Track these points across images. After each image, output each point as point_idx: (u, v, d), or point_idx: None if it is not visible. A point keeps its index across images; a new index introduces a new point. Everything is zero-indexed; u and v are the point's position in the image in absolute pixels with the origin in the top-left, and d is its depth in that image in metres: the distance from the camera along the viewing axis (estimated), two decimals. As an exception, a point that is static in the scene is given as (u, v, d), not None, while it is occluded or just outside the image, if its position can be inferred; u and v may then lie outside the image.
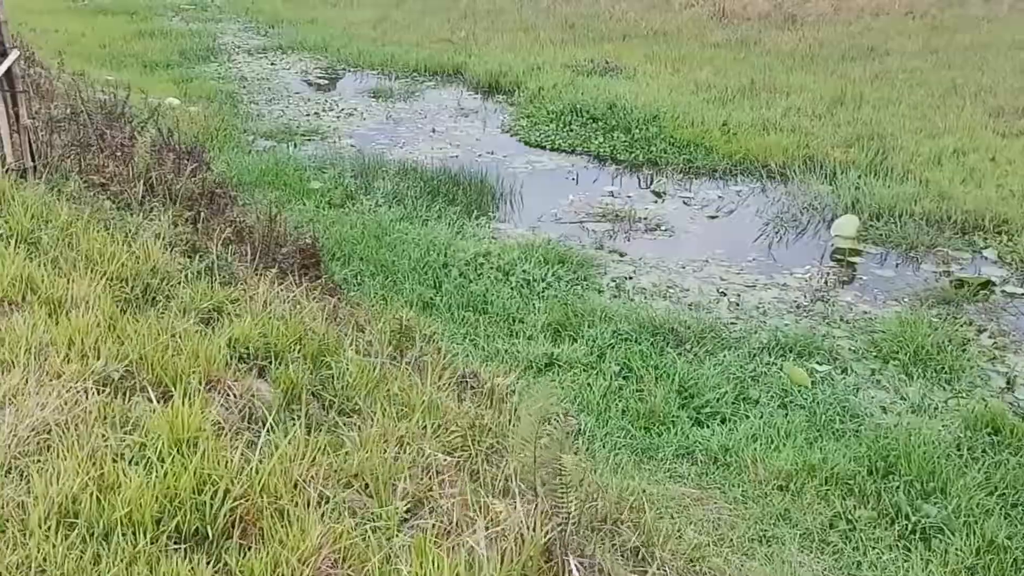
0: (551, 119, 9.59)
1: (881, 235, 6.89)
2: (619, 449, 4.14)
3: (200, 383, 2.28)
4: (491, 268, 6.04)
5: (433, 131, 9.69)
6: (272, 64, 12.90)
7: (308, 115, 10.27)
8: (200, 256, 3.70)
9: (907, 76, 11.10)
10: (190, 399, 2.11)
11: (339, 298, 5.07)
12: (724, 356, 5.09)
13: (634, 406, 4.52)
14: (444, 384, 3.65)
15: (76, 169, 4.27)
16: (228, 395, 2.32)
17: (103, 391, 2.18)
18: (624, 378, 4.83)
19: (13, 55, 3.94)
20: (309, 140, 9.32)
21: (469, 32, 14.06)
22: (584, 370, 4.86)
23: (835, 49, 12.68)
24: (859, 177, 7.84)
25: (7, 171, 3.91)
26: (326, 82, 11.95)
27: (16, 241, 3.06)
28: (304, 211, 6.99)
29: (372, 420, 2.46)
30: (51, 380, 2.17)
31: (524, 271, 6.01)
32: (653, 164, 8.54)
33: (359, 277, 5.92)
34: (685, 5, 16.19)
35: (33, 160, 4.04)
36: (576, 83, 10.57)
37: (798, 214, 7.39)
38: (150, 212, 4.38)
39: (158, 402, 2.16)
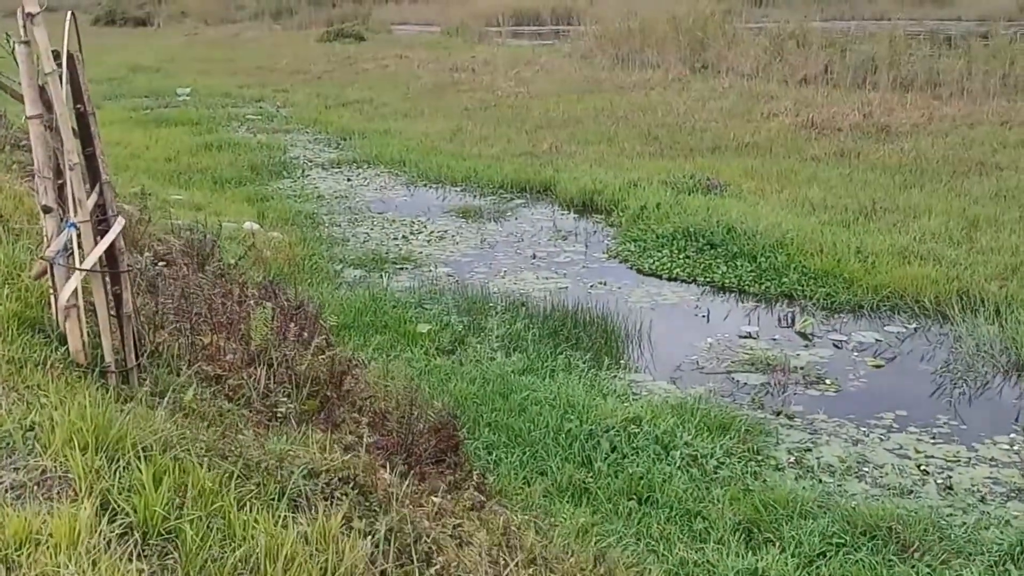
0: (662, 244, 8.81)
1: (1087, 394, 5.88)
2: None
3: None
4: (646, 439, 5.12)
5: (534, 257, 8.95)
6: (348, 180, 12.40)
7: (396, 239, 9.61)
8: (366, 496, 2.84)
9: (1034, 194, 10.22)
10: None
11: (492, 499, 4.18)
12: (961, 569, 4.09)
13: (887, 656, 3.51)
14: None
15: (186, 355, 3.48)
16: None
17: None
18: (856, 606, 3.83)
19: (117, 225, 3.21)
20: (402, 269, 8.61)
21: (551, 144, 13.52)
22: (804, 595, 3.87)
23: (942, 164, 11.86)
24: (1030, 316, 6.88)
25: (105, 373, 3.11)
26: (409, 200, 11.36)
27: (149, 536, 2.21)
28: (413, 361, 6.17)
29: None
30: None
31: (686, 443, 5.08)
32: (788, 298, 7.66)
33: (492, 451, 5.04)
34: (767, 115, 15.58)
35: (137, 357, 3.24)
36: (681, 202, 9.83)
37: (972, 363, 6.42)
38: (276, 408, 3.57)
39: None
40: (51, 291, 3.35)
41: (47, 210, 3.20)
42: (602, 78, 21.03)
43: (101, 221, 3.26)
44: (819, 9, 39.89)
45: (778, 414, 5.67)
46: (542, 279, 8.29)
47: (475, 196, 11.44)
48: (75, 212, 3.12)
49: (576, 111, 16.65)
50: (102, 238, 3.20)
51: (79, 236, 3.16)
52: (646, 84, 19.77)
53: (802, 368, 6.32)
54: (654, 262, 8.52)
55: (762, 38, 22.18)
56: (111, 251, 3.19)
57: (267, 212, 10.25)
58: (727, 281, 8.01)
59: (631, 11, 32.23)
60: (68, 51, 3.37)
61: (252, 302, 4.48)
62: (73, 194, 3.09)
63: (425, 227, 10.06)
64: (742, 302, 7.69)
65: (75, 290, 3.11)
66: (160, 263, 5.08)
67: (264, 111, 18.39)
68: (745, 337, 6.92)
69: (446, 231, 9.91)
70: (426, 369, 6.05)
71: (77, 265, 3.13)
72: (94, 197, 3.25)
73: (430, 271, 8.51)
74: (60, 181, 3.31)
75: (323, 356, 3.97)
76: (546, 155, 13.03)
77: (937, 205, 9.68)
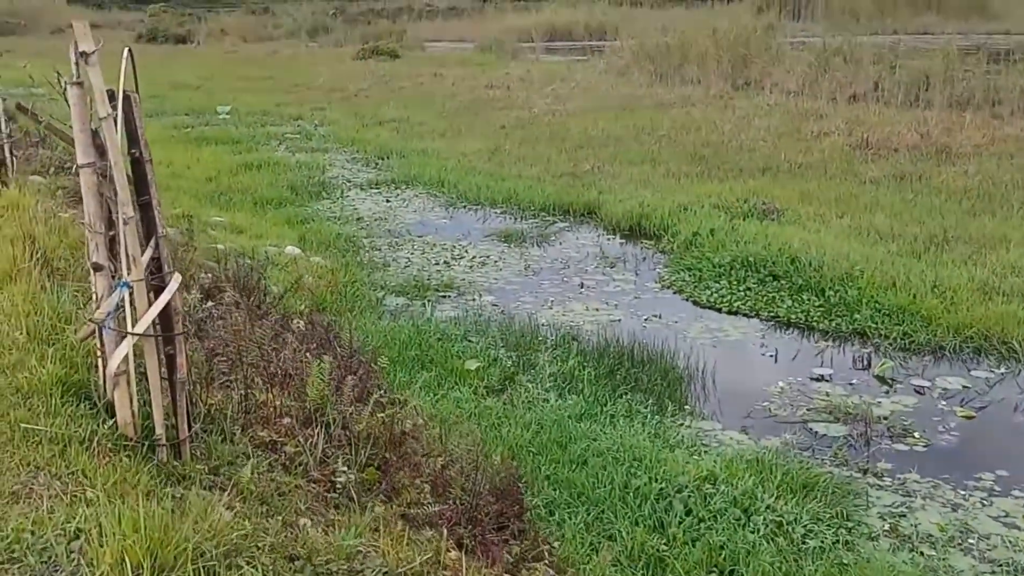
0: (719, 274, 8.32)
1: None
2: None
3: None
4: (723, 501, 4.64)
5: (582, 286, 8.50)
6: (387, 201, 12.04)
7: (437, 264, 9.22)
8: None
9: (1115, 221, 9.61)
10: None
11: (563, 573, 3.74)
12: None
13: None
14: None
15: (240, 417, 3.08)
16: None
17: None
18: None
19: (174, 283, 2.82)
20: (444, 297, 8.21)
21: (593, 165, 13.09)
22: None
23: (1011, 189, 11.24)
24: None
25: (154, 447, 2.73)
26: (448, 222, 10.98)
27: None
28: (461, 401, 5.75)
29: None
30: None
31: (768, 507, 4.59)
32: (861, 336, 7.13)
33: (553, 510, 4.59)
34: (818, 134, 15.04)
35: (190, 425, 2.85)
36: (736, 228, 9.34)
37: (1073, 413, 5.86)
38: (334, 476, 3.16)
39: None
40: (98, 353, 2.98)
41: (97, 268, 2.84)
42: (641, 95, 20.60)
43: (155, 276, 2.89)
44: (859, 23, 39.25)
45: (865, 472, 5.16)
46: (592, 311, 7.83)
47: (516, 219, 11.03)
48: (128, 270, 2.76)
49: (616, 129, 16.22)
50: (156, 296, 2.83)
51: (131, 294, 2.79)
52: (687, 101, 19.29)
53: (886, 418, 5.80)
54: (712, 294, 8.03)
55: (806, 54, 21.64)
56: (165, 311, 2.81)
57: (308, 235, 9.91)
58: (793, 316, 7.51)
59: (665, 27, 31.87)
60: (124, 91, 3.02)
61: (305, 349, 4.07)
62: (127, 250, 2.72)
63: (467, 252, 9.65)
64: (811, 340, 7.17)
65: (126, 356, 2.74)
66: (208, 302, 4.72)
67: (303, 129, 18.15)
68: (818, 380, 6.41)
69: (488, 256, 9.50)
70: (476, 411, 5.62)
71: (128, 328, 2.76)
72: (149, 252, 2.88)
73: (474, 300, 8.09)
74: (111, 232, 2.95)
75: (382, 415, 3.54)
76: (588, 176, 12.60)
77: (1013, 234, 9.10)
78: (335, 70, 28.82)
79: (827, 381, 6.39)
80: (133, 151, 2.89)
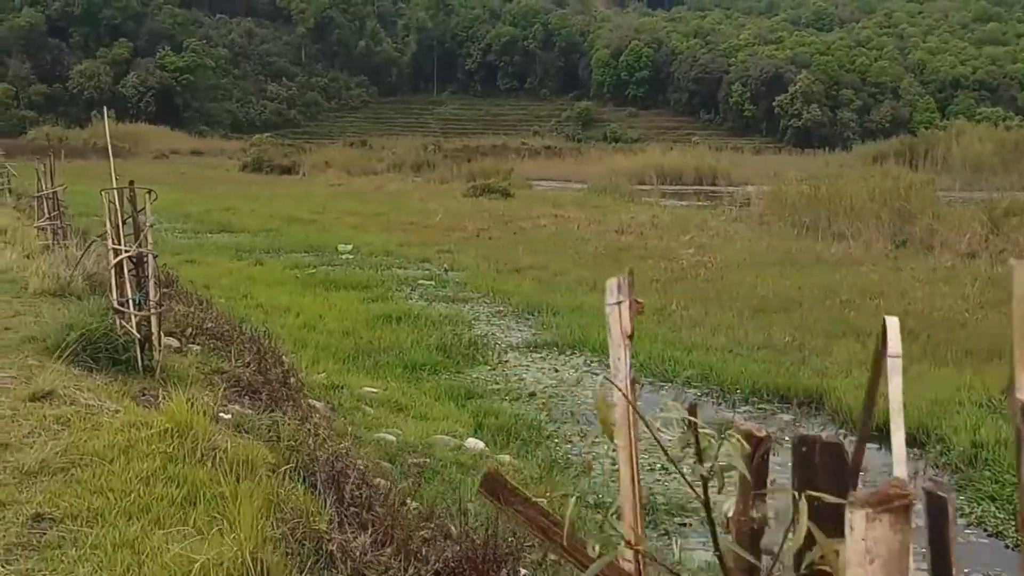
0: (1048, 513, 6.31)
1: None
2: None
3: None
4: None
5: (860, 517, 6.57)
6: (556, 371, 10.43)
7: (653, 469, 7.41)
8: None
9: None
10: None
11: None
12: None
13: None
14: None
15: None
16: None
17: None
18: None
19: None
20: (684, 525, 6.38)
21: (791, 337, 11.32)
22: None
23: None
24: None
25: None
26: (640, 405, 9.23)
27: None
28: None
29: None
30: None
31: None
32: None
33: None
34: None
35: None
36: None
37: None
38: None
39: None
40: None
41: None
42: (793, 249, 19.02)
43: None
44: (984, 179, 37.46)
45: None
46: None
47: (722, 403, 9.25)
48: None
49: (787, 290, 14.51)
50: None
51: None
52: (850, 259, 17.60)
53: None
54: (1054, 545, 6.02)
55: (972, 209, 19.92)
56: None
57: (480, 417, 8.31)
58: None
59: (775, 172, 30.55)
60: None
61: None
62: None
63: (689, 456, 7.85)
64: None
65: None
66: None
67: (432, 274, 16.98)
68: None
69: (713, 460, 7.67)
70: None
71: None
72: None
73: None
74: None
75: None
76: (790, 350, 10.82)
77: None
78: (448, 207, 28.20)
79: None
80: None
